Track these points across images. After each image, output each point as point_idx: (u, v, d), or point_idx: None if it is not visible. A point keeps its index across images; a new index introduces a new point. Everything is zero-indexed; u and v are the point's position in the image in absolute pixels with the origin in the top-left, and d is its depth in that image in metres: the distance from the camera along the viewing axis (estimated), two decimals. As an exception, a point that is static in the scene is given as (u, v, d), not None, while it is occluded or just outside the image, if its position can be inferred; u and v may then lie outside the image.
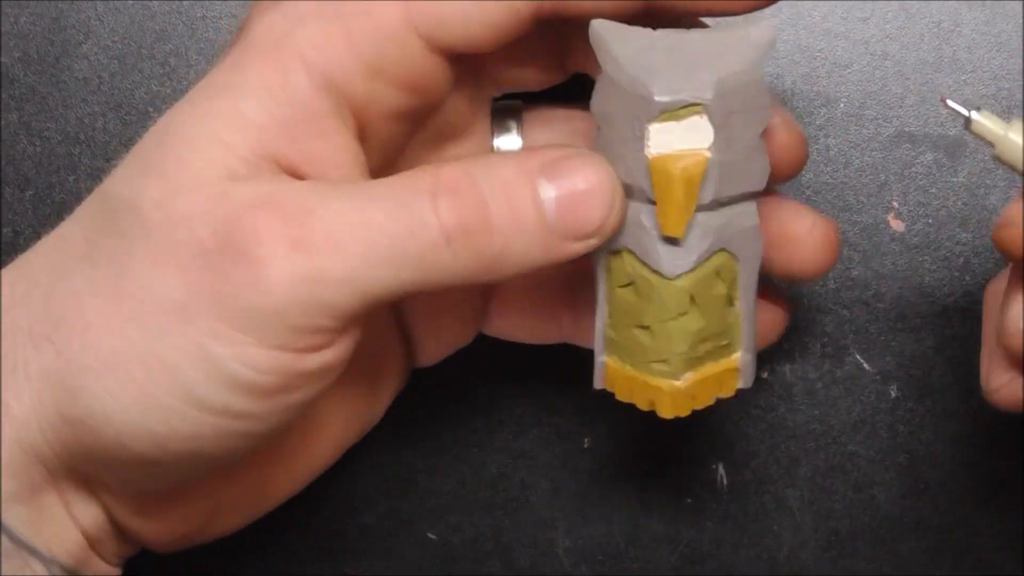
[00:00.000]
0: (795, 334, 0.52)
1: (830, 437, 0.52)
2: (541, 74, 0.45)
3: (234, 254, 0.39)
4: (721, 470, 0.53)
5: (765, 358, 0.52)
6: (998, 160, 0.40)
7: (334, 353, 0.40)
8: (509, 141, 0.47)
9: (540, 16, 0.42)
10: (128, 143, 0.51)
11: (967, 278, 0.52)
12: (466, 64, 0.43)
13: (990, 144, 0.40)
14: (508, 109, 0.47)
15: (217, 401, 0.40)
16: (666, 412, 0.43)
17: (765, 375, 0.52)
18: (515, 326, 0.50)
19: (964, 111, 0.40)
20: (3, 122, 0.52)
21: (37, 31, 0.52)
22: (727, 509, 0.53)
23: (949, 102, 0.40)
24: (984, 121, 0.40)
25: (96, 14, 0.52)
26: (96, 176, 0.52)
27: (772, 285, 0.47)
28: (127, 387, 0.39)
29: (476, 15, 0.41)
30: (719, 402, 0.45)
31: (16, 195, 0.52)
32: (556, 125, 0.48)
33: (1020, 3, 0.52)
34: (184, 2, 0.52)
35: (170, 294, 0.39)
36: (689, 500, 0.53)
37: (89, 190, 0.52)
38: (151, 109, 0.52)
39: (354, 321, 0.40)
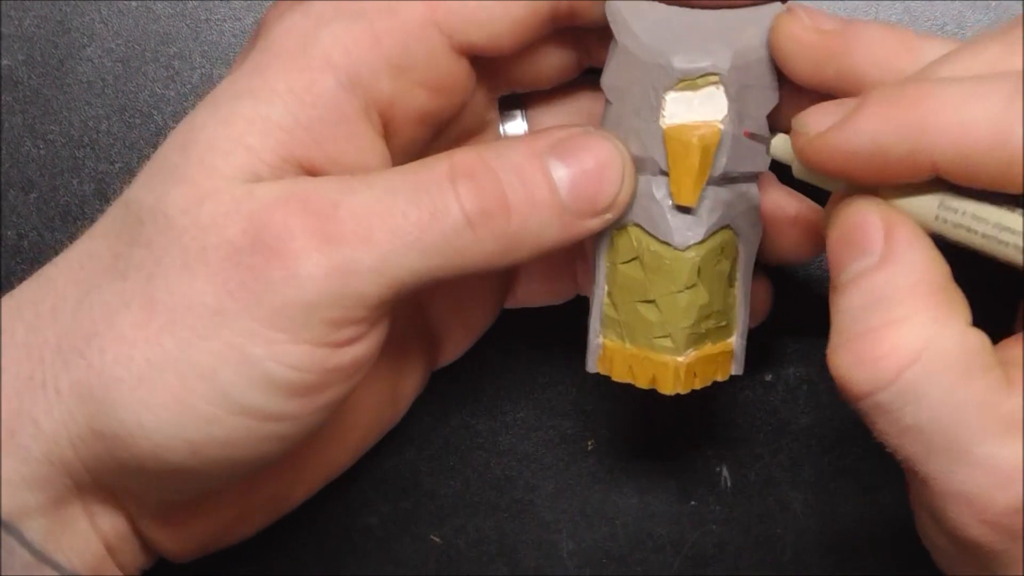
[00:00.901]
0: (799, 336, 0.52)
1: (834, 440, 0.52)
2: (556, 74, 0.46)
3: (266, 251, 0.39)
4: (725, 473, 0.53)
5: (769, 361, 0.52)
6: (799, 178, 0.40)
7: (365, 347, 0.41)
8: (515, 127, 0.48)
9: (558, 18, 0.42)
10: (132, 146, 0.52)
11: (972, 280, 0.52)
12: (484, 66, 0.44)
13: (788, 164, 0.41)
14: (512, 95, 0.48)
15: (254, 403, 0.40)
16: (668, 388, 0.44)
17: (769, 378, 0.52)
18: (535, 292, 0.50)
19: (765, 137, 0.41)
20: (7, 125, 0.52)
21: (41, 34, 0.52)
22: (731, 512, 0.53)
23: (745, 130, 0.42)
24: (779, 143, 0.41)
25: (100, 17, 0.52)
26: (100, 179, 0.52)
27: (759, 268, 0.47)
28: (162, 397, 0.39)
29: (498, 14, 0.42)
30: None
31: (20, 198, 0.52)
32: (559, 107, 0.48)
33: (1022, 4, 0.52)
34: (188, 5, 0.52)
35: (202, 299, 0.39)
36: (693, 503, 0.53)
37: (93, 193, 0.52)
38: (155, 112, 0.52)
39: (383, 312, 0.41)
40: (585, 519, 0.53)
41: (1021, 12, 0.51)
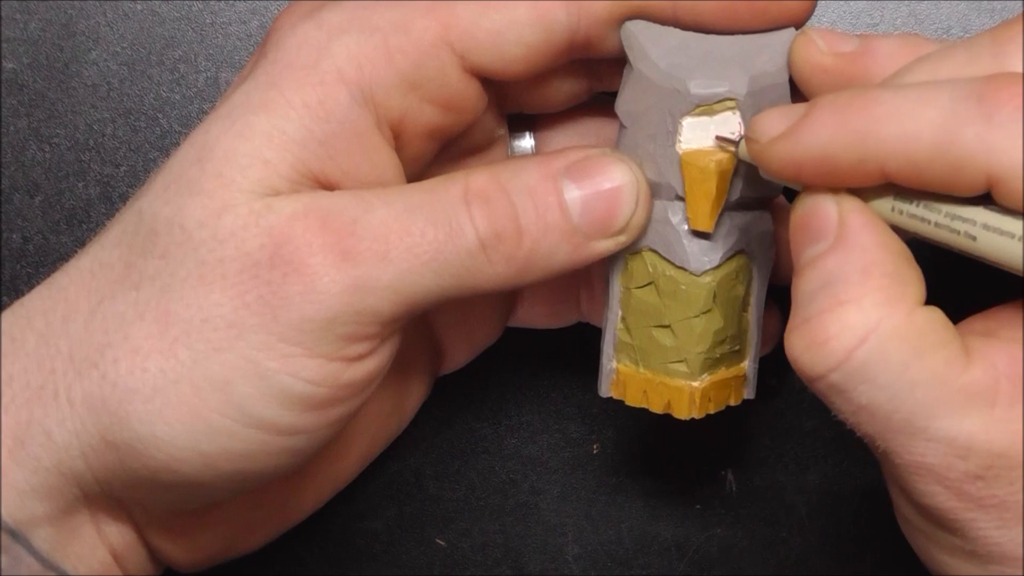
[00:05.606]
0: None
1: (839, 443, 0.52)
2: (566, 99, 0.46)
3: (284, 266, 0.39)
4: (730, 476, 0.53)
5: (775, 364, 0.52)
6: (767, 179, 0.40)
7: (376, 361, 0.41)
8: (524, 144, 0.48)
9: (574, 49, 0.42)
10: (137, 149, 0.52)
11: (977, 284, 0.52)
12: (496, 86, 0.44)
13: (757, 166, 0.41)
14: (521, 113, 0.48)
15: (269, 416, 0.40)
16: (683, 413, 0.44)
17: (774, 382, 0.52)
18: (537, 315, 0.50)
19: (734, 140, 0.41)
20: (12, 128, 0.52)
21: (46, 37, 0.52)
22: (736, 515, 0.53)
23: (718, 136, 0.42)
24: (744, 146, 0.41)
25: (105, 20, 0.52)
26: (106, 183, 0.52)
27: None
28: (177, 409, 0.39)
29: (512, 39, 0.41)
30: (728, 408, 0.45)
31: (25, 201, 0.52)
32: (568, 126, 0.48)
33: (1023, 5, 0.52)
34: (194, 8, 0.52)
35: (219, 311, 0.39)
36: (698, 506, 0.53)
37: (98, 196, 0.52)
38: (160, 115, 0.52)
39: (395, 328, 0.41)
40: (590, 522, 0.53)
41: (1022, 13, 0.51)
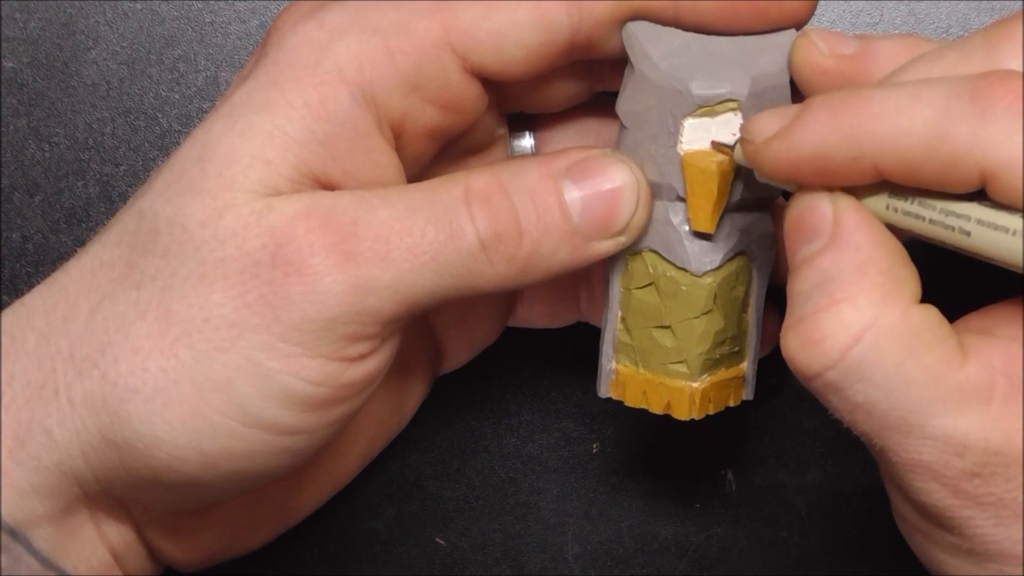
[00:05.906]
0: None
1: (839, 443, 0.52)
2: (566, 99, 0.46)
3: (286, 266, 0.39)
4: (730, 475, 0.53)
5: (774, 364, 0.52)
6: (762, 181, 0.41)
7: (377, 361, 0.41)
8: (524, 143, 0.48)
9: (575, 50, 0.42)
10: (137, 149, 0.52)
11: (972, 282, 0.52)
12: (496, 86, 0.44)
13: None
14: (521, 112, 0.48)
15: (269, 416, 0.40)
16: (683, 413, 0.44)
17: (774, 381, 0.52)
18: (537, 314, 0.51)
19: (729, 145, 0.41)
20: (12, 127, 0.52)
21: (46, 36, 0.52)
22: (736, 514, 0.53)
23: (713, 140, 0.42)
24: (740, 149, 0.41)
25: (105, 19, 0.52)
26: (105, 182, 0.52)
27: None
28: (178, 408, 0.39)
29: (513, 41, 0.41)
30: (727, 408, 0.45)
31: (25, 200, 0.52)
32: (567, 125, 0.48)
33: (1022, 4, 0.52)
34: (193, 7, 0.52)
35: (220, 311, 0.39)
36: (698, 505, 0.53)
37: (98, 196, 0.52)
38: (160, 115, 0.52)
39: (396, 328, 0.41)
40: (590, 521, 0.53)
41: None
